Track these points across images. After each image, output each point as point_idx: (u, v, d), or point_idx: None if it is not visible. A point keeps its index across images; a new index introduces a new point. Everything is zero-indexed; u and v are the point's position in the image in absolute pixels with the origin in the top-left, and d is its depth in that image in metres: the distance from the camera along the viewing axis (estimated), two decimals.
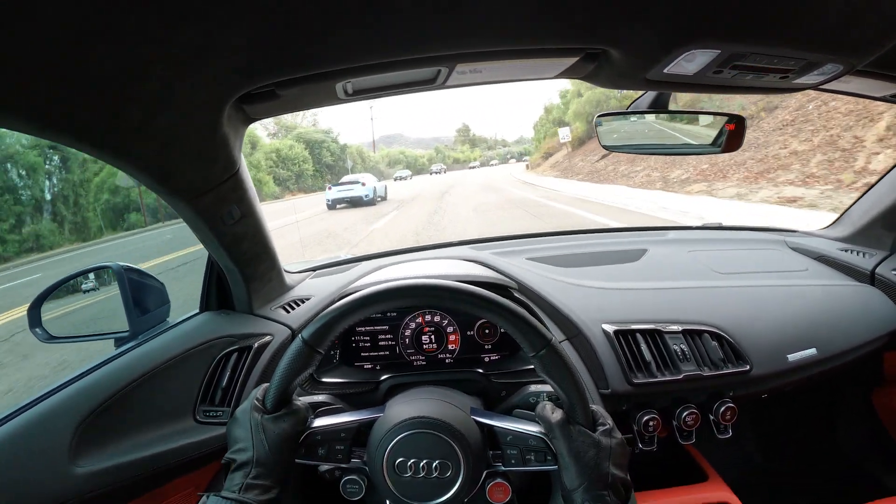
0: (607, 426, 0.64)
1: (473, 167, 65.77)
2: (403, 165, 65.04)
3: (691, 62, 0.66)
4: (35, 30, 0.41)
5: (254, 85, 0.61)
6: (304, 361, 0.66)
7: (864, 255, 1.32)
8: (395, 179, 41.01)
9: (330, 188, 15.88)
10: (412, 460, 0.66)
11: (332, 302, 1.06)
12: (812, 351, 1.06)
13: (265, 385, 0.70)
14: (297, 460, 0.69)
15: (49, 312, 1.05)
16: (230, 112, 0.66)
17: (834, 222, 1.47)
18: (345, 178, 17.28)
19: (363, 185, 15.44)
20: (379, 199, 16.31)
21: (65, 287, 1.07)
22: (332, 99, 0.75)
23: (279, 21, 0.48)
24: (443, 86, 0.77)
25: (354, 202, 15.17)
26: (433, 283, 0.67)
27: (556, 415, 0.64)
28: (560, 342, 0.79)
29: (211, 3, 0.44)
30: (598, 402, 0.96)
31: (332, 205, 15.13)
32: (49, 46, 0.43)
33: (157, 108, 0.59)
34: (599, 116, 0.92)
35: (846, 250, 1.35)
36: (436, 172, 58.02)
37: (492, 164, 68.23)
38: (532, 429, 0.67)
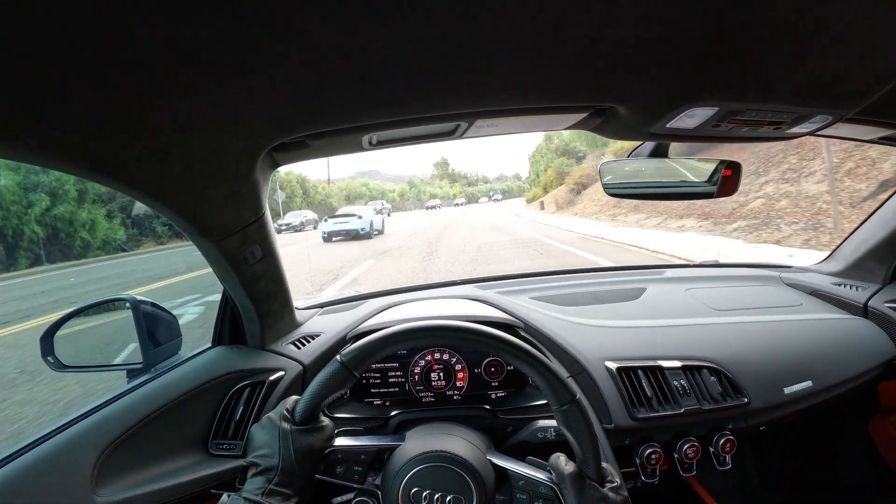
0: (616, 483, 0.67)
1: (459, 204, 60.56)
2: (366, 201, 54.90)
3: (692, 118, 0.71)
4: (93, 83, 0.45)
5: (288, 136, 0.65)
6: (339, 382, 0.69)
7: (856, 288, 1.36)
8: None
9: (326, 220, 15.83)
10: (427, 491, 0.68)
11: (343, 341, 1.09)
12: (808, 383, 1.10)
13: (295, 397, 0.72)
14: (316, 476, 0.71)
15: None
16: (263, 159, 0.70)
17: (827, 257, 1.51)
18: (340, 211, 17.36)
19: (359, 217, 15.56)
20: (376, 232, 16.25)
21: None
22: (357, 148, 0.79)
23: (315, 80, 0.52)
24: (461, 137, 0.81)
25: (351, 235, 15.21)
26: (473, 328, 0.70)
27: (569, 467, 0.67)
28: (566, 378, 0.82)
29: (252, 62, 0.47)
30: (604, 443, 0.98)
31: (328, 237, 15.06)
32: (108, 97, 0.47)
33: (198, 157, 0.62)
34: (603, 164, 0.96)
35: (839, 284, 1.39)
36: (431, 207, 52.21)
37: (481, 202, 63.57)
38: (544, 476, 0.69)
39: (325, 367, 0.70)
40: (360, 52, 0.48)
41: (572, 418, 0.66)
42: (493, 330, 0.69)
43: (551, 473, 0.69)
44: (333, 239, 15.03)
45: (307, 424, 0.69)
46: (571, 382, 0.68)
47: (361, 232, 15.11)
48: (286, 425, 0.68)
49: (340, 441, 0.74)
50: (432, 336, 0.71)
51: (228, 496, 0.63)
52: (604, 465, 0.68)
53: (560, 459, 0.69)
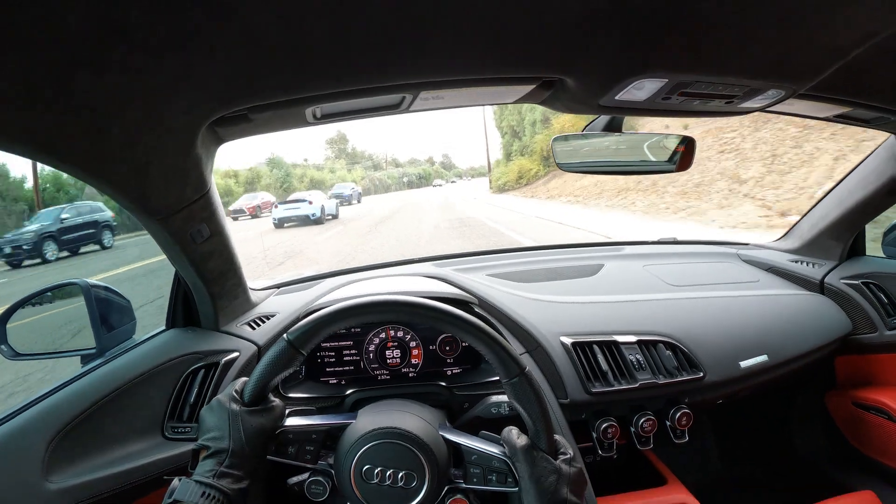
0: (568, 455, 0.67)
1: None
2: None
3: (641, 90, 0.71)
4: (25, 59, 0.43)
5: (228, 110, 0.63)
6: (287, 361, 0.68)
7: (813, 265, 1.39)
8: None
9: (276, 206, 15.61)
10: (379, 468, 0.68)
11: (297, 320, 1.08)
12: (763, 357, 1.12)
13: (244, 379, 0.71)
14: (267, 457, 0.71)
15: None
16: (204, 134, 0.69)
17: (784, 235, 1.54)
18: (291, 196, 17.02)
19: (310, 203, 15.28)
20: (329, 217, 15.99)
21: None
22: (302, 122, 0.78)
23: (252, 52, 0.51)
24: (407, 110, 0.80)
25: (302, 220, 14.87)
26: (420, 302, 0.69)
27: (521, 440, 0.67)
28: (521, 354, 0.83)
29: (189, 36, 0.46)
30: (560, 418, 0.99)
31: (279, 223, 14.84)
32: (37, 74, 0.46)
33: (137, 133, 0.61)
34: (555, 140, 0.96)
35: (796, 261, 1.42)
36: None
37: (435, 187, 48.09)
38: (496, 450, 0.70)
39: (271, 346, 0.69)
40: (298, 23, 0.47)
41: (522, 391, 0.67)
42: (440, 304, 0.69)
43: (504, 447, 0.69)
44: (285, 225, 14.86)
45: (257, 405, 0.69)
46: (519, 355, 0.68)
47: (312, 217, 14.88)
48: (235, 406, 0.68)
49: (291, 421, 0.73)
50: (378, 311, 0.70)
51: (179, 480, 0.63)
52: (556, 437, 0.69)
53: (512, 433, 0.69)
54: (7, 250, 10.57)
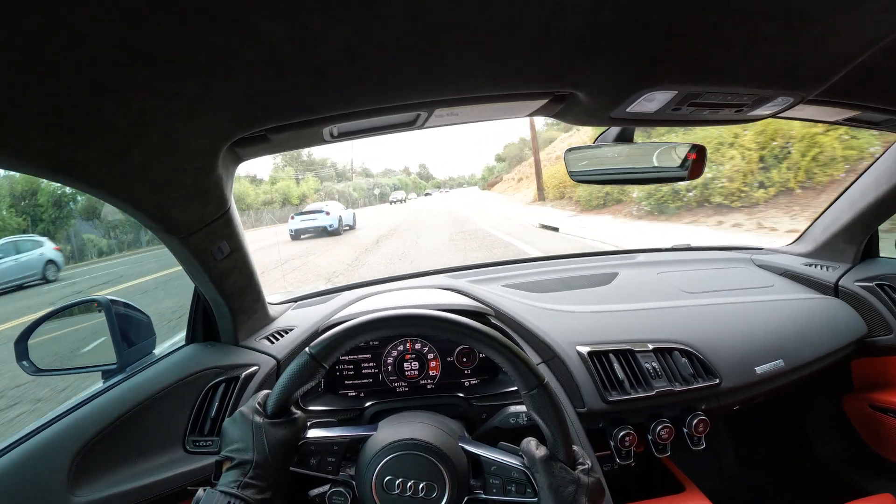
0: (587, 465, 0.68)
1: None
2: None
3: (651, 102, 0.71)
4: (51, 85, 0.45)
5: (248, 131, 0.65)
6: (309, 374, 0.69)
7: (827, 268, 1.38)
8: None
9: (293, 217, 15.27)
10: (400, 479, 0.69)
11: (316, 334, 1.09)
12: (779, 363, 1.12)
13: (266, 391, 0.72)
14: (290, 468, 0.71)
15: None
16: (224, 155, 0.70)
17: (797, 239, 1.53)
18: (308, 207, 16.41)
19: (327, 213, 14.85)
20: (346, 227, 15.61)
21: None
22: (319, 141, 0.79)
23: (272, 74, 0.52)
24: (422, 127, 0.81)
25: (319, 232, 14.52)
26: (440, 316, 0.70)
27: (540, 451, 0.68)
28: (537, 364, 0.83)
29: (210, 60, 0.48)
30: (577, 427, 0.99)
31: (296, 235, 14.62)
32: (63, 100, 0.47)
33: (158, 155, 0.62)
34: (567, 151, 0.97)
35: (810, 265, 1.42)
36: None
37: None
38: (515, 461, 0.70)
39: (292, 360, 0.70)
40: (313, 46, 0.48)
41: (540, 402, 0.67)
42: (458, 317, 0.70)
43: (523, 458, 0.70)
44: (302, 237, 14.63)
45: (279, 417, 0.70)
46: (538, 367, 0.69)
47: (330, 228, 14.51)
48: (258, 419, 0.69)
49: (313, 433, 0.74)
50: (398, 325, 0.71)
51: (204, 490, 0.64)
52: (575, 447, 0.69)
53: (531, 444, 0.70)
54: None
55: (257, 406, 0.71)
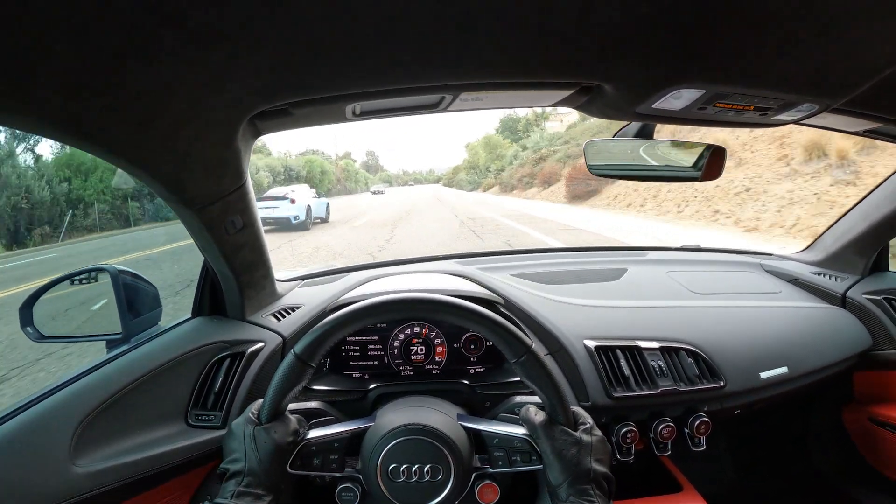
0: (587, 425, 0.68)
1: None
2: None
3: (678, 99, 0.71)
4: (79, 46, 0.44)
5: (270, 104, 0.64)
6: (297, 376, 0.70)
7: (836, 278, 1.38)
8: None
9: None
10: (404, 465, 0.69)
11: (323, 313, 1.09)
12: (784, 369, 1.12)
13: (259, 401, 0.73)
14: (293, 471, 0.72)
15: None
16: (245, 127, 0.70)
17: (808, 247, 1.53)
18: (269, 192, 13.28)
19: (292, 202, 11.91)
20: (317, 220, 12.95)
21: None
22: (341, 118, 0.78)
23: (298, 47, 0.52)
24: (445, 110, 0.81)
25: (282, 225, 11.50)
26: (420, 297, 0.70)
27: (539, 417, 0.68)
28: (544, 356, 0.83)
29: (237, 28, 0.47)
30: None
31: None
32: (89, 62, 0.47)
33: (180, 125, 0.62)
34: (587, 143, 0.96)
35: (819, 274, 1.41)
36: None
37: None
38: (517, 431, 0.71)
39: (281, 359, 0.70)
40: (346, 19, 0.48)
41: (531, 368, 0.67)
42: (439, 296, 0.70)
43: (524, 427, 0.70)
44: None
45: (271, 422, 0.70)
46: (524, 336, 0.69)
47: (294, 220, 11.70)
48: (250, 427, 0.70)
49: (313, 433, 0.75)
50: (379, 312, 0.71)
51: None
52: (574, 408, 0.69)
53: (530, 411, 0.70)
54: None
55: (251, 416, 0.71)
